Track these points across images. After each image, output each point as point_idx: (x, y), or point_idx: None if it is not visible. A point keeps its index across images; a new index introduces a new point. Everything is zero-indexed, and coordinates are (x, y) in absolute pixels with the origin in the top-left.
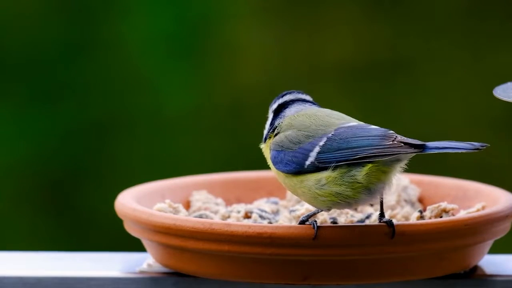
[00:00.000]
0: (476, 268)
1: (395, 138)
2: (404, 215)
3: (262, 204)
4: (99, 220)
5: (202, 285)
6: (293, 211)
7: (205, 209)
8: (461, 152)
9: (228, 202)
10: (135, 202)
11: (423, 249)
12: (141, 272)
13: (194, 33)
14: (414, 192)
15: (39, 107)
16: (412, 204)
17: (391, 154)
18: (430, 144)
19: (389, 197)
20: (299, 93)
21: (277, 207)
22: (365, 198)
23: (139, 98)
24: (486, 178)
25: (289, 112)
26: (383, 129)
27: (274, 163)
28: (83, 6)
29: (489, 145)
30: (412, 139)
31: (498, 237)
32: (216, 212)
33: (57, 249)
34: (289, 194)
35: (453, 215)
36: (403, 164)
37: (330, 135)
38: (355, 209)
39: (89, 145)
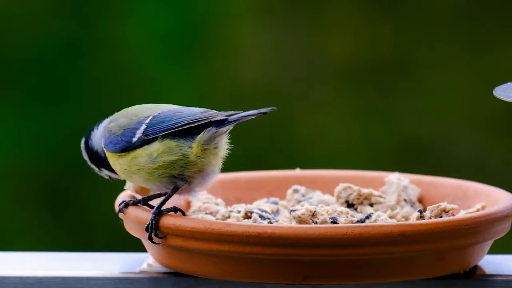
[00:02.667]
0: (476, 268)
1: (213, 113)
2: (404, 215)
3: (262, 204)
4: (99, 220)
5: (202, 285)
6: (293, 211)
7: (205, 209)
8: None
9: (228, 202)
10: None
11: (423, 249)
12: (141, 272)
13: (195, 33)
14: (414, 192)
15: (39, 107)
16: (412, 204)
17: (204, 119)
18: (231, 117)
19: (389, 197)
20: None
21: (277, 207)
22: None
23: (140, 98)
24: (486, 178)
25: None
26: (204, 108)
27: (105, 145)
28: (84, 7)
29: (275, 108)
30: (225, 113)
31: (498, 237)
32: (216, 212)
33: (57, 249)
34: (289, 194)
35: (453, 215)
36: (218, 144)
37: (156, 114)
38: (355, 209)
39: None
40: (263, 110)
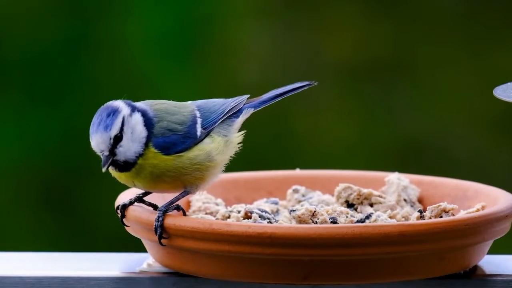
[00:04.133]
0: (476, 268)
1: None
2: (404, 215)
3: (262, 204)
4: (99, 220)
5: (202, 285)
6: (293, 211)
7: (205, 209)
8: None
9: (228, 202)
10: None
11: (423, 249)
12: (141, 272)
13: (195, 33)
14: (414, 192)
15: (39, 107)
16: (412, 204)
17: (242, 101)
18: (267, 95)
19: (389, 197)
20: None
21: (277, 207)
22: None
23: (140, 99)
24: (486, 178)
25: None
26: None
27: (166, 149)
28: (84, 7)
29: (316, 83)
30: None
31: (498, 237)
32: (216, 212)
33: (57, 249)
34: (289, 194)
35: (453, 215)
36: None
37: (196, 108)
38: (355, 209)
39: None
40: (299, 85)
